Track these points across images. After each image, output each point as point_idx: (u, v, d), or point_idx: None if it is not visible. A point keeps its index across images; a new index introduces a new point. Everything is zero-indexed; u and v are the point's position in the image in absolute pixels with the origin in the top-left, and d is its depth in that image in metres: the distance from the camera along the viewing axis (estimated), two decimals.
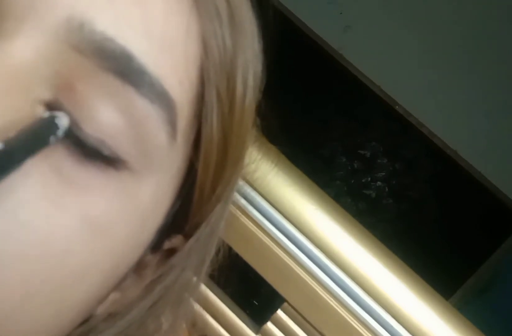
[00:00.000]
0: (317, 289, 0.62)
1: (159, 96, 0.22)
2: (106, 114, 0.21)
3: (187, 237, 0.27)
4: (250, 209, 0.62)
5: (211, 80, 0.24)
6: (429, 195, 1.48)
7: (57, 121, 0.20)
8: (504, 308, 1.32)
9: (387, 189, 1.49)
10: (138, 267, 0.27)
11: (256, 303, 1.05)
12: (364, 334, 0.61)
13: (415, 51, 1.53)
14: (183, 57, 0.23)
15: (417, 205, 1.48)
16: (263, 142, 0.46)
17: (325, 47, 1.53)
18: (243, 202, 0.61)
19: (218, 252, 0.30)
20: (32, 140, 0.19)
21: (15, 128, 0.19)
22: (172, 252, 0.28)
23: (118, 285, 0.26)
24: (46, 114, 0.20)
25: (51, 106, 0.21)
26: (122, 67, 0.21)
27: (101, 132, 0.21)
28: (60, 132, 0.20)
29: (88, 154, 0.21)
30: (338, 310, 0.61)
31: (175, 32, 0.23)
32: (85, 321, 0.25)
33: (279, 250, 0.63)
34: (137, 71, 0.21)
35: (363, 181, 1.49)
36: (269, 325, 0.64)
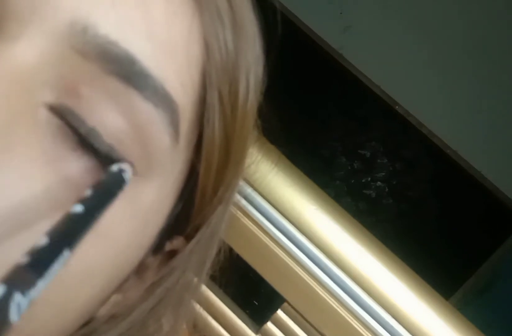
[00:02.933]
0: (317, 289, 0.62)
1: (163, 99, 0.22)
2: (111, 117, 0.21)
3: (188, 238, 0.27)
4: (250, 209, 0.62)
5: (213, 83, 0.24)
6: (429, 195, 1.48)
7: (124, 175, 0.20)
8: (504, 308, 1.32)
9: (387, 189, 1.49)
10: (140, 268, 0.27)
11: (256, 303, 1.04)
12: (364, 334, 0.61)
13: (415, 51, 1.53)
14: (185, 60, 0.23)
15: (417, 205, 1.48)
16: (263, 143, 0.46)
17: (325, 47, 1.53)
18: (243, 202, 0.61)
19: (218, 252, 0.30)
20: (105, 197, 0.19)
21: (16, 130, 0.19)
22: (173, 253, 0.28)
23: (119, 287, 0.26)
24: (114, 168, 0.20)
25: (55, 109, 0.21)
26: (125, 71, 0.21)
27: (107, 136, 0.21)
28: (127, 186, 0.20)
29: (98, 160, 0.21)
30: (338, 310, 0.61)
31: (177, 35, 0.23)
32: (86, 323, 0.25)
33: (279, 250, 0.63)
34: (141, 74, 0.21)
35: (363, 181, 1.49)
36: (269, 325, 0.64)
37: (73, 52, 0.21)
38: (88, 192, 0.19)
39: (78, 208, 0.18)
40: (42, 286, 0.15)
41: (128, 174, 0.21)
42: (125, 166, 0.21)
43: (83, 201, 0.18)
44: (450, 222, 1.46)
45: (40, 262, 0.15)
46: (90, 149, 0.21)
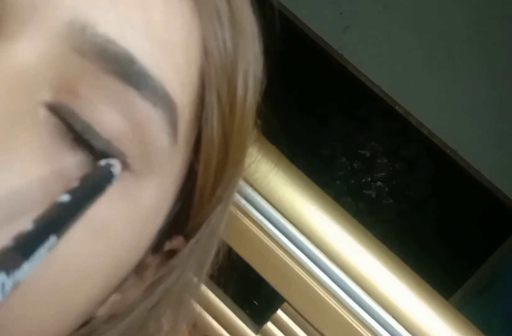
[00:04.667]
0: (317, 289, 0.62)
1: (161, 98, 0.22)
2: (109, 116, 0.21)
3: (188, 238, 0.27)
4: (250, 209, 0.62)
5: (211, 82, 0.24)
6: (429, 195, 1.48)
7: (113, 170, 0.21)
8: (504, 308, 1.32)
9: (387, 189, 1.49)
10: (139, 268, 0.27)
11: (256, 303, 1.05)
12: (364, 334, 0.61)
13: (415, 51, 1.53)
14: (184, 60, 0.23)
15: (417, 205, 1.48)
16: (263, 142, 0.46)
17: (325, 47, 1.53)
18: (243, 202, 0.61)
19: (218, 252, 0.30)
20: (92, 190, 0.20)
21: (15, 130, 0.19)
22: (172, 253, 0.28)
23: (119, 287, 0.26)
24: (103, 162, 0.21)
25: (53, 108, 0.21)
26: (124, 70, 0.21)
27: (105, 134, 0.21)
28: (115, 181, 0.21)
29: (94, 156, 0.21)
30: (338, 310, 0.61)
31: (176, 34, 0.23)
32: (86, 322, 0.25)
33: (279, 250, 0.63)
34: (139, 73, 0.21)
35: (363, 181, 1.49)
36: (269, 325, 0.64)
37: (72, 51, 0.21)
38: (75, 183, 0.19)
39: (65, 197, 0.18)
40: (27, 269, 0.16)
41: (116, 169, 0.21)
42: (113, 161, 0.21)
43: (70, 191, 0.19)
44: (450, 222, 1.46)
45: (26, 245, 0.16)
46: (87, 147, 0.21)
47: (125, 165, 0.22)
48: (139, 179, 0.23)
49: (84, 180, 0.20)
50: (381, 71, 1.51)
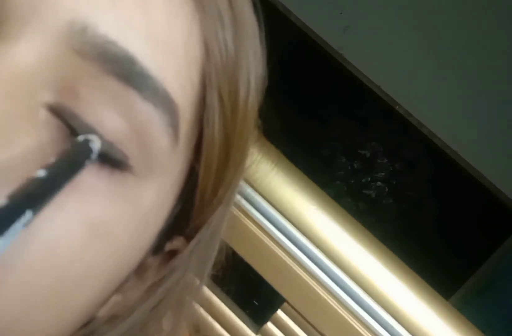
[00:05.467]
0: (317, 289, 0.62)
1: (162, 100, 0.22)
2: (110, 118, 0.21)
3: (189, 239, 0.27)
4: (250, 209, 0.62)
5: (213, 83, 0.24)
6: (429, 195, 1.48)
7: (91, 145, 0.20)
8: (504, 308, 1.32)
9: (387, 189, 1.49)
10: (140, 269, 0.27)
11: (256, 303, 1.04)
12: (364, 334, 0.61)
13: (415, 51, 1.53)
14: (185, 61, 0.23)
15: (417, 205, 1.48)
16: (263, 143, 0.46)
17: (325, 47, 1.53)
18: (243, 202, 0.61)
19: (219, 253, 0.30)
20: (70, 165, 0.19)
21: (16, 131, 0.19)
22: (173, 254, 0.28)
23: (119, 288, 0.26)
24: (81, 138, 0.21)
25: (54, 109, 0.21)
26: (125, 71, 0.21)
27: (106, 136, 0.21)
28: (94, 156, 0.21)
29: (96, 159, 0.21)
30: (338, 310, 0.61)
31: (177, 35, 0.23)
32: (86, 323, 0.25)
33: (279, 250, 0.63)
34: (140, 74, 0.21)
35: (363, 181, 1.49)
36: (269, 325, 0.64)
37: (73, 52, 0.21)
38: (52, 159, 0.19)
39: (41, 173, 0.18)
40: (1, 245, 0.16)
41: (96, 144, 0.21)
42: (92, 137, 0.21)
43: (46, 166, 0.18)
44: (450, 222, 1.46)
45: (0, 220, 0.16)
46: None
47: (127, 167, 0.22)
48: (140, 180, 0.23)
49: (61, 155, 0.19)
50: (381, 71, 1.51)
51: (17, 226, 0.16)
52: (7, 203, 0.16)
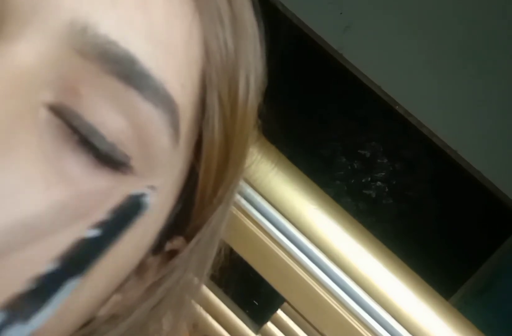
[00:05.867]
0: (317, 289, 0.62)
1: (162, 100, 0.22)
2: (110, 117, 0.21)
3: (188, 238, 0.27)
4: (250, 209, 0.62)
5: (212, 83, 0.24)
6: (429, 195, 1.48)
7: (145, 200, 0.20)
8: (504, 308, 1.32)
9: (387, 189, 1.49)
10: (140, 269, 0.27)
11: (256, 303, 1.04)
12: (364, 334, 0.61)
13: (415, 51, 1.53)
14: (185, 61, 0.23)
15: (417, 205, 1.48)
16: (263, 142, 0.46)
17: (325, 47, 1.53)
18: (243, 202, 0.61)
19: (218, 252, 0.30)
20: (121, 224, 0.18)
21: (17, 131, 0.19)
22: (173, 253, 0.28)
23: (120, 287, 0.26)
24: (135, 192, 0.20)
25: (55, 109, 0.21)
26: (125, 71, 0.21)
27: (108, 136, 0.21)
28: (145, 211, 0.20)
29: (98, 159, 0.21)
30: (338, 310, 0.61)
31: (177, 35, 0.23)
32: (86, 323, 0.25)
33: (279, 250, 0.63)
34: (141, 74, 0.21)
35: (363, 181, 1.49)
36: (269, 325, 0.64)
37: (73, 52, 0.21)
38: (103, 216, 0.18)
39: (92, 233, 0.17)
40: (46, 314, 0.15)
41: (149, 198, 0.20)
42: (146, 190, 0.20)
43: (97, 226, 0.17)
44: (450, 222, 1.46)
45: (44, 289, 0.15)
46: (90, 149, 0.21)
47: (128, 168, 0.22)
48: (141, 180, 0.23)
49: (114, 213, 0.18)
50: (381, 71, 1.51)
51: (63, 295, 0.15)
52: (57, 267, 0.15)
